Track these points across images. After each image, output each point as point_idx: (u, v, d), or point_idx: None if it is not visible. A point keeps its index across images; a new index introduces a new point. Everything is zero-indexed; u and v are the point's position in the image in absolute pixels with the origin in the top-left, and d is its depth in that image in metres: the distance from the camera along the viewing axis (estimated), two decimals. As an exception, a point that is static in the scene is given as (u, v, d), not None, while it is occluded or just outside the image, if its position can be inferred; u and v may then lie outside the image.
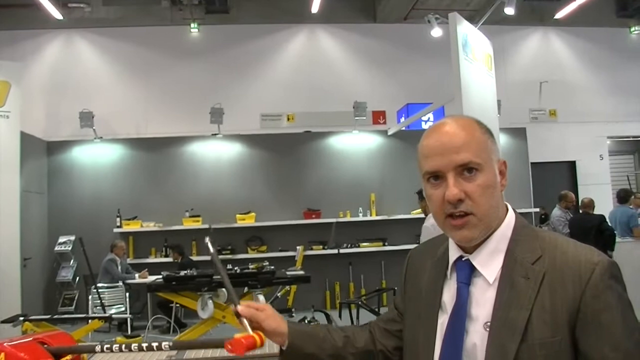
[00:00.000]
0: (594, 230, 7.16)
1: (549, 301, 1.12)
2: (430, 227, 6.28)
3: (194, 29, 11.21)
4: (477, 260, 1.22)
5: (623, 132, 12.22)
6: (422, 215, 7.09)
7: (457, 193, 1.16)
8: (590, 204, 7.72)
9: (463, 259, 1.25)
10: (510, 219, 1.25)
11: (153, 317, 7.74)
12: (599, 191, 10.50)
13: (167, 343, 1.37)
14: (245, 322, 1.26)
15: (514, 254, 1.20)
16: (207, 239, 1.44)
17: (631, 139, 12.73)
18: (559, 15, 11.97)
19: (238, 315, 1.27)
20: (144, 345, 1.41)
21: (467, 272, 1.23)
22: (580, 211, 8.10)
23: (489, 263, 1.21)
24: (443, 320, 1.25)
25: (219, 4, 11.22)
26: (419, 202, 6.41)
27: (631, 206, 8.63)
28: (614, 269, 1.14)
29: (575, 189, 10.75)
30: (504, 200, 1.27)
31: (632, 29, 12.81)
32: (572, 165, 11.67)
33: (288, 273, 7.08)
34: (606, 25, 12.47)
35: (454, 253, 1.28)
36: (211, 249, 1.40)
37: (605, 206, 9.19)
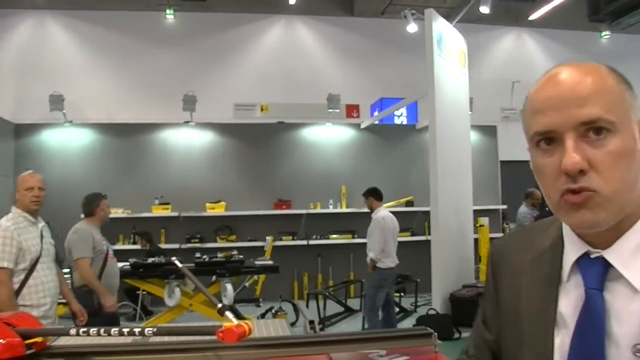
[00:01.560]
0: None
1: None
2: (380, 219, 6.40)
3: (170, 15, 11.10)
4: (615, 257, 0.88)
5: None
6: (393, 209, 7.19)
7: (578, 161, 0.83)
8: (556, 203, 7.88)
9: (592, 256, 0.91)
10: None
11: (119, 304, 7.67)
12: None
13: (150, 329, 1.37)
14: (231, 315, 1.31)
15: None
16: (174, 259, 1.62)
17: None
18: (533, 16, 12.15)
19: (221, 312, 1.31)
20: (125, 330, 1.40)
21: (600, 274, 0.89)
22: (546, 209, 8.26)
23: (634, 262, 0.87)
24: (562, 340, 0.92)
25: (195, -9, 11.13)
26: (365, 201, 6.58)
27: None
28: None
29: (542, 188, 10.96)
30: None
31: (603, 33, 13.07)
32: (540, 164, 11.87)
33: (257, 263, 7.10)
34: (578, 28, 12.70)
35: (574, 247, 0.94)
36: (179, 265, 1.51)
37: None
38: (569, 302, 0.93)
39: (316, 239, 9.30)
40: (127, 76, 10.57)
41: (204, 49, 11.12)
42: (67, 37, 10.53)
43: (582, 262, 0.92)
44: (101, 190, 8.90)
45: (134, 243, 8.81)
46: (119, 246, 8.92)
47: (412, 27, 9.19)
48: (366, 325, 6.49)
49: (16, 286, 3.52)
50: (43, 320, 3.50)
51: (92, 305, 4.37)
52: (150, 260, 6.37)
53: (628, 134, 0.86)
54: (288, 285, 9.19)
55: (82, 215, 5.08)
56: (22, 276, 3.56)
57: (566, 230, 0.96)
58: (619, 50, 12.95)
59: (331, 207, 9.45)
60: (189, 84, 9.86)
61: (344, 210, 9.44)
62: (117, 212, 8.90)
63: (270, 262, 7.22)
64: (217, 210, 9.04)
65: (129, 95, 10.41)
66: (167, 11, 11.05)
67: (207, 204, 9.02)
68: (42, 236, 3.79)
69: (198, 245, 8.80)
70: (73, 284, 4.51)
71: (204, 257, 6.66)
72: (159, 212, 8.94)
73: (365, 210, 8.52)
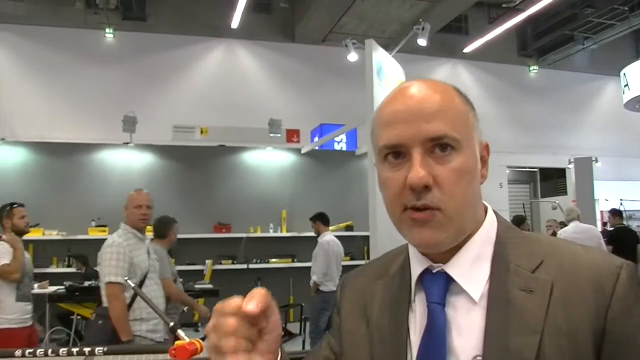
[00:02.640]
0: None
1: (564, 320, 0.81)
2: (325, 243, 6.52)
3: (109, 34, 10.97)
4: (455, 270, 0.89)
5: (520, 163, 13.04)
6: (333, 233, 7.29)
7: (423, 176, 0.83)
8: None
9: (434, 271, 0.91)
10: (491, 219, 0.95)
11: (51, 330, 7.41)
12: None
13: (100, 348, 1.39)
14: (182, 333, 1.34)
15: (505, 259, 0.88)
16: (125, 278, 1.67)
17: (527, 169, 13.61)
18: (468, 49, 12.69)
19: (173, 330, 1.34)
20: (74, 350, 1.42)
21: (441, 289, 0.89)
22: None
23: (472, 274, 0.88)
24: None
25: (136, 11, 11.07)
26: (312, 225, 6.73)
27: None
28: None
29: (475, 214, 11.33)
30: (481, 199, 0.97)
31: (531, 67, 13.77)
32: (473, 191, 12.29)
33: (196, 286, 7.05)
34: (509, 62, 13.34)
35: (418, 264, 0.94)
36: (132, 285, 1.55)
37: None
38: (417, 322, 0.91)
39: (256, 262, 9.28)
40: (64, 95, 10.33)
41: (143, 69, 11.02)
42: (2, 52, 10.22)
43: (425, 278, 0.92)
44: (33, 211, 8.67)
45: (69, 266, 8.55)
46: (53, 269, 8.64)
47: (352, 56, 9.40)
48: (308, 348, 6.53)
49: (127, 301, 3.66)
50: (153, 334, 3.71)
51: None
52: (86, 283, 6.22)
53: (471, 153, 0.88)
54: (227, 309, 9.09)
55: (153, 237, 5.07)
56: (132, 291, 3.64)
57: (411, 249, 0.96)
58: (545, 83, 13.66)
59: (271, 231, 9.46)
60: (127, 104, 9.73)
61: (284, 234, 9.47)
62: (51, 234, 8.64)
63: (210, 286, 7.19)
64: (156, 233, 8.89)
65: (66, 114, 10.17)
66: (107, 30, 10.92)
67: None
68: (148, 252, 3.95)
69: (135, 268, 8.61)
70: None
71: (142, 280, 6.55)
72: (95, 234, 8.70)
73: (306, 234, 8.63)
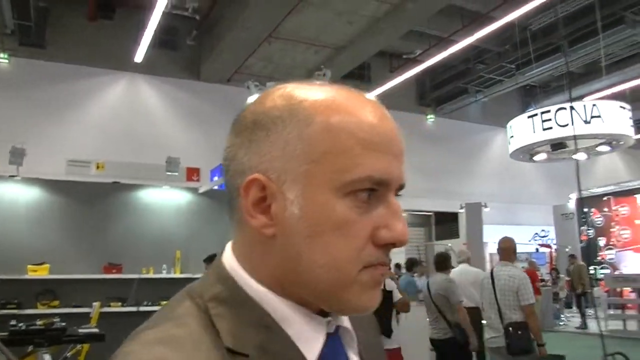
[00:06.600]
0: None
1: None
2: None
3: (4, 60, 10.55)
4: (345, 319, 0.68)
5: (416, 207, 13.51)
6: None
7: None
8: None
9: (331, 331, 0.66)
10: None
11: None
12: (393, 259, 11.42)
13: None
14: None
15: None
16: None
17: (423, 212, 14.13)
18: (369, 96, 13.13)
19: None
20: None
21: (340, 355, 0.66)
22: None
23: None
24: None
25: (35, 38, 10.72)
26: (206, 266, 6.64)
27: (414, 274, 9.64)
28: None
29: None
30: None
31: (429, 116, 14.48)
32: (371, 233, 12.59)
33: (80, 331, 6.72)
34: (408, 110, 13.93)
35: (312, 332, 0.63)
36: None
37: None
38: None
39: (147, 305, 8.98)
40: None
41: (39, 98, 10.63)
42: None
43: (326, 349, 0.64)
44: None
45: None
46: None
47: (254, 98, 9.50)
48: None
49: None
50: None
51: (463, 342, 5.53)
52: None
53: None
54: (114, 354, 8.72)
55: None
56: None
57: (287, 310, 0.64)
58: (441, 132, 14.35)
59: (165, 272, 9.23)
60: (17, 134, 9.33)
61: (178, 275, 9.25)
62: None
63: (96, 330, 6.87)
64: (40, 273, 8.44)
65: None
66: (1, 55, 10.48)
67: (29, 266, 8.40)
68: None
69: (15, 311, 8.09)
70: (450, 324, 5.72)
71: (20, 325, 6.19)
72: (-30, 273, 8.15)
73: (200, 275, 8.44)
